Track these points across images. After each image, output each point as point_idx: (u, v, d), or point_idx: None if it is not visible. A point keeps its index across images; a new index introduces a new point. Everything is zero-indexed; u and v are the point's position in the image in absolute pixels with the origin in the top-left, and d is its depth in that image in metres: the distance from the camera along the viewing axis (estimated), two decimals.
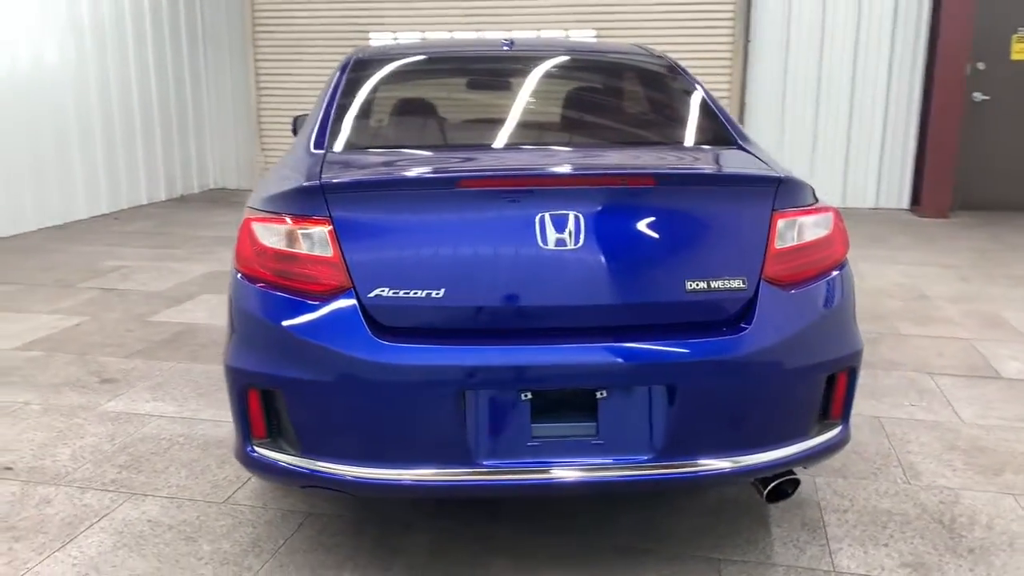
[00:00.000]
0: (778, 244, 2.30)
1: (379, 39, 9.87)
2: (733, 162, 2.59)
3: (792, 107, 9.22)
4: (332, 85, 3.04)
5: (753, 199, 2.32)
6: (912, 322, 5.04)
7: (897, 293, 5.71)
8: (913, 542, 2.67)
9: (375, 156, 2.64)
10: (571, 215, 2.19)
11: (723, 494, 2.94)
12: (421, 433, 2.16)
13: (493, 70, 3.30)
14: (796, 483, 2.43)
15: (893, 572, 2.51)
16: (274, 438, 2.31)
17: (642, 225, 2.24)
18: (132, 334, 4.71)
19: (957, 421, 3.60)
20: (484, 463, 2.18)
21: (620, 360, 2.16)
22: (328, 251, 2.21)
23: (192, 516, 2.83)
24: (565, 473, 2.19)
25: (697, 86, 3.18)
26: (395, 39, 9.82)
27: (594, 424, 2.20)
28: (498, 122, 2.93)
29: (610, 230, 2.21)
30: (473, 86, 3.27)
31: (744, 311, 2.25)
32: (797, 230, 2.35)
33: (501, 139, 2.82)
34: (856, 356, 2.43)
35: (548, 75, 3.25)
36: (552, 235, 2.18)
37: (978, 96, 8.75)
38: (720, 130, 2.89)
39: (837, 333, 2.39)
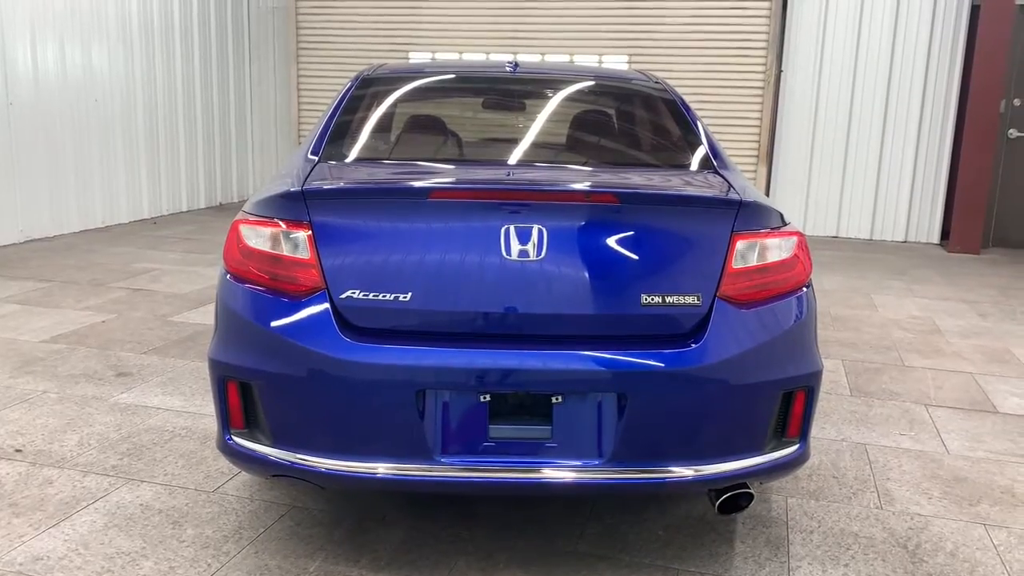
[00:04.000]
0: (736, 264, 2.39)
1: (418, 57, 10.12)
2: (702, 185, 2.69)
3: (823, 137, 9.24)
4: (338, 99, 3.20)
5: (714, 220, 2.42)
6: (919, 354, 5.04)
7: (910, 325, 5.71)
8: (873, 564, 2.71)
9: (364, 166, 2.79)
10: (535, 228, 2.31)
11: (691, 509, 3.01)
12: (383, 429, 2.29)
13: (491, 91, 3.44)
14: (750, 497, 2.50)
15: None
16: (251, 428, 2.45)
17: (602, 240, 2.34)
18: (152, 332, 4.92)
19: (942, 452, 3.61)
20: (443, 460, 2.29)
21: (574, 368, 2.27)
22: (306, 254, 2.36)
23: (182, 503, 2.98)
24: (519, 473, 2.30)
25: (686, 113, 3.28)
26: (433, 58, 10.06)
27: (549, 427, 2.30)
28: (487, 140, 3.07)
29: (571, 244, 2.33)
30: (468, 105, 3.42)
31: (698, 327, 2.34)
32: (757, 251, 2.44)
33: (485, 155, 2.96)
34: (814, 376, 2.50)
35: (543, 97, 3.38)
36: (516, 247, 2.30)
37: (1013, 133, 8.69)
38: (701, 155, 2.99)
39: (793, 352, 2.46)
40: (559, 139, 3.17)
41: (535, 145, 3.11)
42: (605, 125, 3.29)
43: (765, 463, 2.44)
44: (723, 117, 9.35)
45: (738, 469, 2.38)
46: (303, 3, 10.29)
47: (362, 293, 2.31)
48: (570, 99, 3.41)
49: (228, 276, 2.49)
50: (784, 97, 9.29)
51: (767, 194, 9.35)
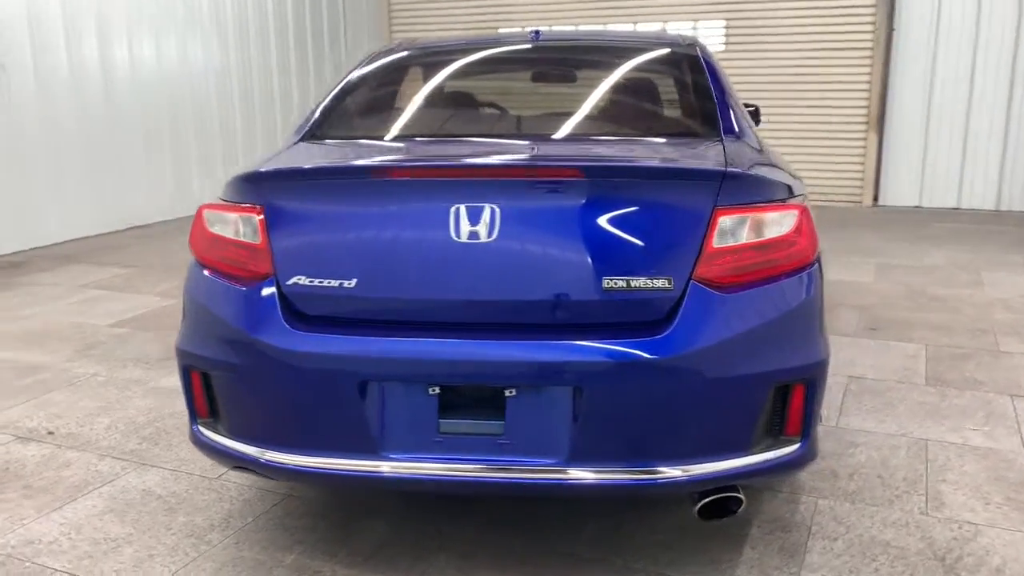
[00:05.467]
0: (716, 243, 2.13)
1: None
2: (690, 156, 2.42)
3: (941, 100, 8.49)
4: (341, 79, 3.11)
5: (692, 195, 2.16)
6: (1019, 338, 4.51)
7: (1018, 306, 5.13)
8: None
9: (339, 146, 2.67)
10: (487, 208, 2.13)
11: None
12: (328, 422, 2.17)
13: (499, 64, 3.25)
14: (739, 502, 2.24)
15: None
16: (213, 419, 2.39)
17: (563, 219, 2.13)
18: None
19: (1018, 451, 3.19)
20: (390, 456, 2.16)
21: (527, 359, 2.08)
22: (257, 239, 2.26)
23: (182, 489, 2.98)
24: (470, 471, 2.13)
25: (709, 77, 2.98)
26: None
27: (502, 423, 2.13)
28: (482, 115, 2.89)
29: (528, 224, 2.13)
30: (472, 79, 3.24)
31: (670, 314, 2.10)
32: (747, 228, 2.17)
33: (473, 130, 2.78)
34: (815, 368, 2.21)
35: (553, 68, 3.17)
36: (466, 228, 2.12)
37: None
38: (711, 122, 2.70)
39: (789, 341, 2.18)
40: (559, 111, 2.95)
41: (529, 119, 2.90)
42: (611, 94, 3.04)
43: (755, 464, 2.18)
44: (827, 82, 8.74)
45: (718, 471, 2.13)
46: None
47: (308, 279, 2.20)
48: (582, 68, 3.17)
49: (193, 262, 2.44)
50: (896, 58, 8.58)
51: (877, 164, 8.70)
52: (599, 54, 3.29)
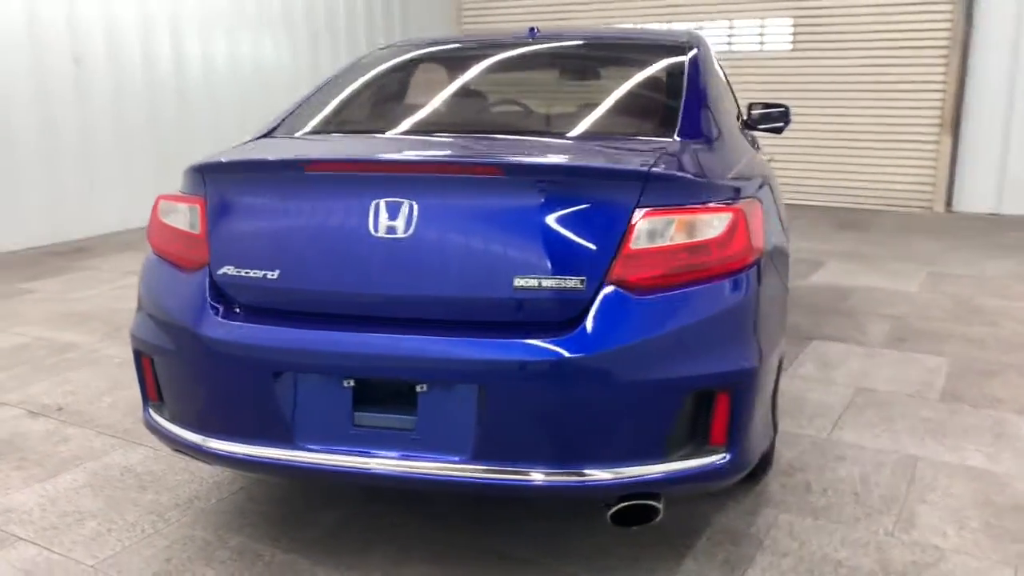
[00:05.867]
0: (635, 244, 2.09)
1: None
2: (622, 155, 2.35)
3: (1022, 103, 8.00)
4: (330, 76, 3.17)
5: (614, 195, 2.12)
6: None
7: None
8: None
9: (291, 141, 2.73)
10: (405, 203, 2.14)
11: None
12: (252, 412, 2.22)
13: (475, 60, 3.23)
14: (654, 510, 2.18)
15: None
16: (159, 403, 2.48)
17: (478, 217, 2.13)
18: None
19: (1016, 475, 3.00)
20: (307, 446, 2.19)
21: (435, 355, 2.08)
22: (197, 229, 2.34)
23: (160, 468, 3.10)
24: (382, 464, 2.15)
25: (688, 77, 2.88)
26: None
27: (414, 418, 2.13)
28: (443, 112, 2.90)
29: (444, 220, 2.13)
30: (440, 76, 3.24)
31: (581, 315, 2.07)
32: (670, 230, 2.11)
33: (427, 126, 2.80)
34: (741, 376, 2.14)
35: (532, 67, 3.14)
36: (384, 222, 2.14)
37: None
38: (669, 123, 2.62)
39: (711, 348, 2.11)
40: (516, 109, 2.93)
41: (482, 116, 2.89)
42: (576, 92, 2.99)
43: (675, 472, 2.12)
44: (899, 82, 8.38)
45: (627, 477, 2.09)
46: None
47: (236, 269, 2.26)
48: (556, 67, 3.14)
49: (150, 250, 2.54)
50: (973, 56, 8.14)
51: (951, 168, 8.28)
52: (581, 53, 3.24)
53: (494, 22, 10.43)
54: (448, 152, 2.40)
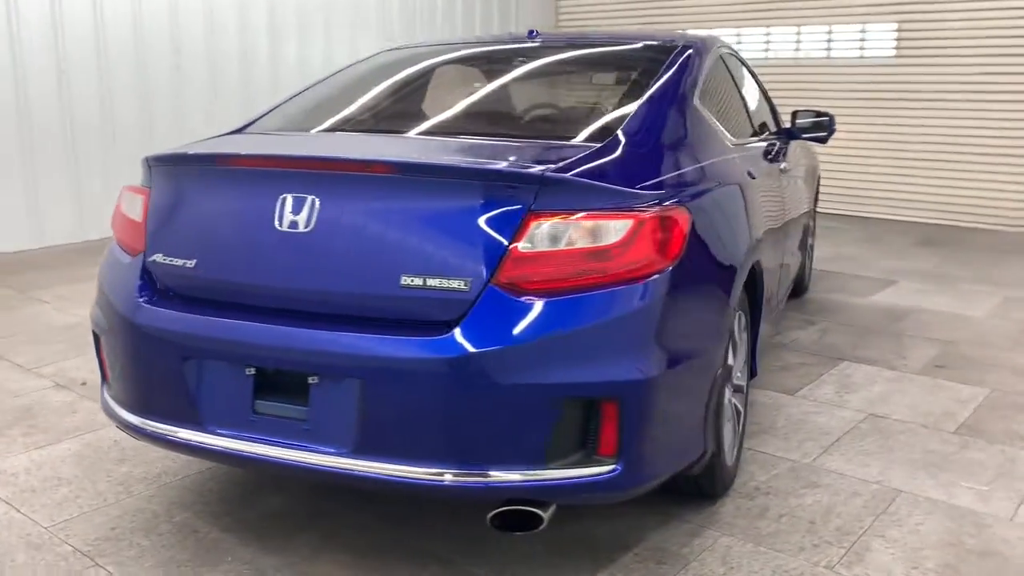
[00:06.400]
0: (524, 247, 2.06)
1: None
2: (526, 158, 2.31)
3: None
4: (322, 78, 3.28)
5: (507, 198, 2.10)
6: None
7: None
8: None
9: (244, 137, 2.83)
10: (308, 199, 2.20)
11: (596, 529, 2.65)
12: (166, 393, 2.33)
13: (467, 64, 3.26)
14: (536, 516, 2.14)
15: None
16: (109, 383, 2.64)
17: (373, 214, 2.16)
18: None
19: (1004, 518, 2.76)
20: (213, 430, 2.29)
21: (322, 348, 2.12)
22: (139, 217, 2.48)
23: (144, 444, 3.27)
24: (278, 453, 2.21)
25: (660, 79, 2.81)
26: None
27: (306, 409, 2.19)
28: (401, 112, 2.95)
29: (341, 216, 2.18)
30: (419, 78, 3.27)
31: (463, 315, 2.06)
32: (565, 235, 2.08)
33: (358, 126, 2.87)
34: (631, 386, 2.08)
35: (510, 70, 3.13)
36: (288, 217, 2.21)
37: None
38: (610, 128, 2.56)
39: (596, 355, 2.06)
40: (473, 112, 2.92)
41: (440, 119, 2.89)
42: (532, 96, 2.96)
43: (558, 480, 2.09)
44: (1006, 92, 7.78)
45: (501, 482, 2.06)
46: None
47: (164, 257, 2.38)
48: (531, 69, 3.11)
49: (113, 239, 2.71)
50: None
51: None
52: (556, 57, 3.21)
53: (592, 21, 10.39)
54: (357, 151, 2.44)
